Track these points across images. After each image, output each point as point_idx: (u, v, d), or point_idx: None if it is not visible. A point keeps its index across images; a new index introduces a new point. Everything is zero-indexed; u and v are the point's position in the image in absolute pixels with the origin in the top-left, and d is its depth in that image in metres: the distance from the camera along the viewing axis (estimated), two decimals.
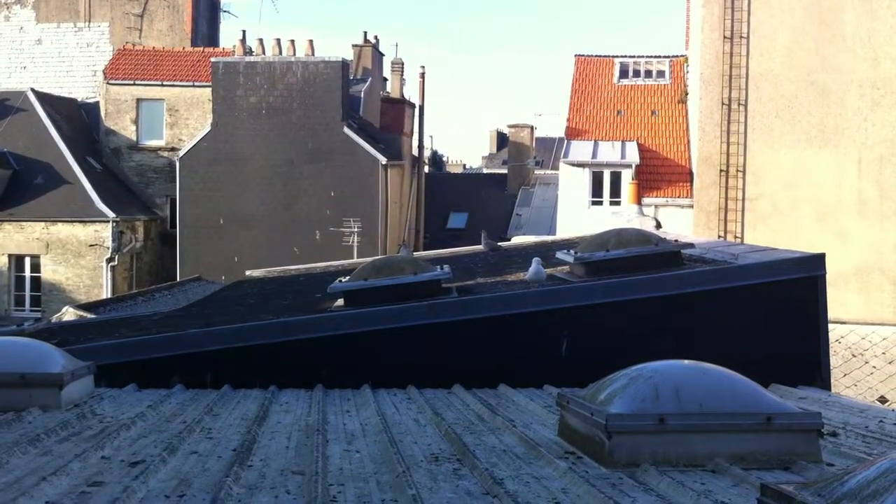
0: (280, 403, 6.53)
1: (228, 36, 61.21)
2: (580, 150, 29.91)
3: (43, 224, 30.23)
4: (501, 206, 40.37)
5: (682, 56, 34.07)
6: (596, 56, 35.20)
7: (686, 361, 4.79)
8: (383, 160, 31.08)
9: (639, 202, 25.30)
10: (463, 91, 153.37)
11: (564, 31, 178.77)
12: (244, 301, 11.25)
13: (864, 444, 5.03)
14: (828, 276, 8.06)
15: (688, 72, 32.34)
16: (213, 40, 40.57)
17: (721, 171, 27.05)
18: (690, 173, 28.86)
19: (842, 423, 5.59)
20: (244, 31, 36.83)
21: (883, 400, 14.50)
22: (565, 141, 31.05)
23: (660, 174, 29.30)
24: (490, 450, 4.82)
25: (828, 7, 26.58)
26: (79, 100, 36.42)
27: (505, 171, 46.80)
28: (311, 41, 34.72)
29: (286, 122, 31.13)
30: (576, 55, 35.12)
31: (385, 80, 41.79)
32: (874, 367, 15.68)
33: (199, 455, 4.63)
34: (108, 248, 30.00)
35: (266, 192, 31.18)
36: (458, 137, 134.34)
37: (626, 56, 34.93)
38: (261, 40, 35.57)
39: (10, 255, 30.53)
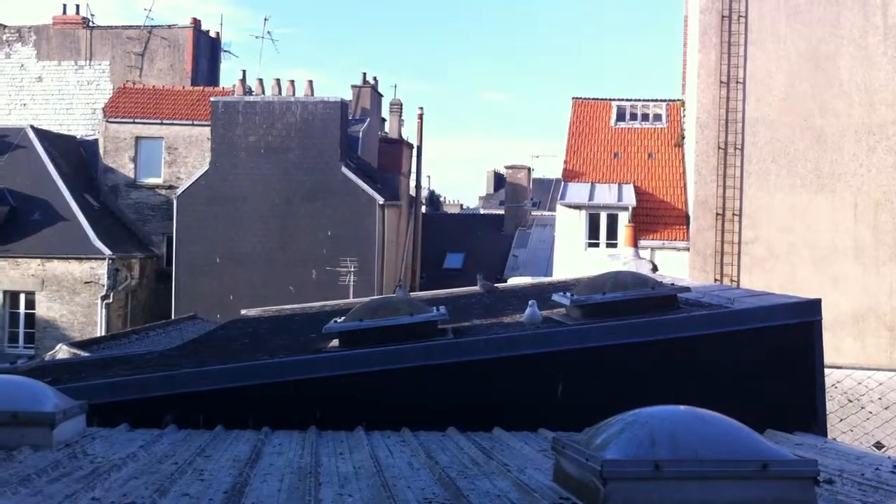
0: (273, 445, 6.48)
1: (228, 75, 61.66)
2: (577, 191, 30.03)
3: (39, 261, 30.20)
4: (498, 247, 40.41)
5: (678, 100, 34.33)
6: (593, 99, 35.46)
7: (682, 407, 4.76)
8: (381, 200, 31.17)
9: (635, 245, 25.34)
10: (461, 132, 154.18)
11: (562, 74, 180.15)
12: (239, 340, 11.21)
13: (860, 491, 4.99)
14: (824, 321, 8.06)
15: (684, 116, 32.56)
16: (213, 79, 40.83)
17: (717, 214, 27.16)
18: (687, 216, 28.96)
19: (838, 471, 5.55)
20: (244, 71, 37.11)
21: (879, 446, 14.43)
22: (562, 182, 31.18)
23: (656, 217, 29.40)
24: (484, 494, 4.78)
25: (824, 53, 26.84)
26: (78, 137, 36.58)
27: (502, 211, 46.91)
28: (310, 81, 35.03)
29: (284, 162, 31.25)
30: (573, 98, 35.38)
31: (383, 120, 42.03)
32: (870, 412, 15.62)
33: (190, 497, 4.58)
34: (104, 285, 29.96)
35: (263, 230, 31.22)
36: (456, 178, 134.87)
37: (623, 99, 35.19)
38: (260, 80, 35.86)
39: (4, 292, 30.46)
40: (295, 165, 31.23)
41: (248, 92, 35.05)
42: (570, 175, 31.38)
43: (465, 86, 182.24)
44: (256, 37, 67.48)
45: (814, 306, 8.01)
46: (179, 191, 31.97)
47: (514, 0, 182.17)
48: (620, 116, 34.23)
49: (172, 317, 27.55)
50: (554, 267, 29.84)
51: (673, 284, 9.55)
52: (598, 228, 28.99)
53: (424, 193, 48.52)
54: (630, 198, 29.20)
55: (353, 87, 39.67)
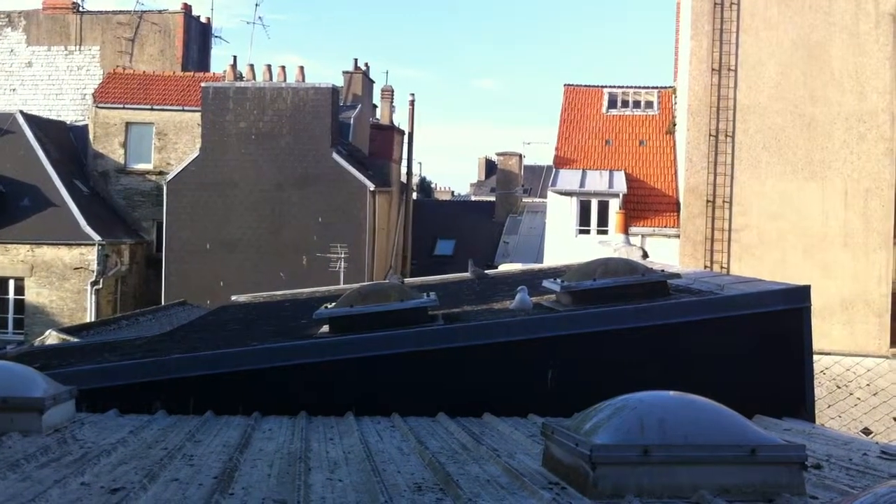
0: (263, 430, 6.48)
1: (219, 61, 61.48)
2: (568, 178, 30.02)
3: (28, 246, 30.09)
4: (489, 234, 40.41)
5: (670, 87, 34.31)
6: (585, 86, 35.42)
7: (671, 392, 4.77)
8: (371, 186, 31.12)
9: (626, 231, 25.41)
10: (452, 118, 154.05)
11: (554, 61, 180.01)
12: (229, 326, 11.20)
13: (848, 476, 5.02)
14: (813, 308, 8.08)
15: (676, 103, 32.56)
16: (203, 65, 40.66)
17: (708, 201, 27.19)
18: (677, 203, 28.98)
19: (826, 456, 5.58)
20: (235, 57, 36.96)
21: (867, 431, 14.51)
22: (553, 169, 31.17)
23: (647, 204, 29.42)
24: (474, 479, 4.79)
25: (815, 41, 26.84)
26: (68, 123, 36.41)
27: (493, 198, 46.92)
28: (301, 67, 34.93)
29: (275, 148, 31.16)
30: (565, 85, 35.34)
31: (375, 106, 41.93)
32: (858, 398, 15.71)
33: (179, 482, 4.58)
34: (93, 271, 29.88)
35: (253, 217, 31.15)
36: (447, 165, 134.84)
37: (614, 86, 35.16)
38: (251, 66, 35.69)
39: None
40: (286, 152, 31.14)
41: (239, 78, 34.91)
42: (561, 162, 31.37)
43: (457, 72, 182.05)
44: (247, 22, 67.33)
45: (803, 293, 8.03)
46: (169, 177, 31.86)
47: None
48: (612, 103, 34.21)
49: (162, 303, 27.51)
50: (545, 253, 29.84)
51: (663, 271, 9.55)
52: (589, 215, 29.00)
53: (415, 180, 48.48)
54: (621, 185, 29.21)
55: (345, 73, 39.56)
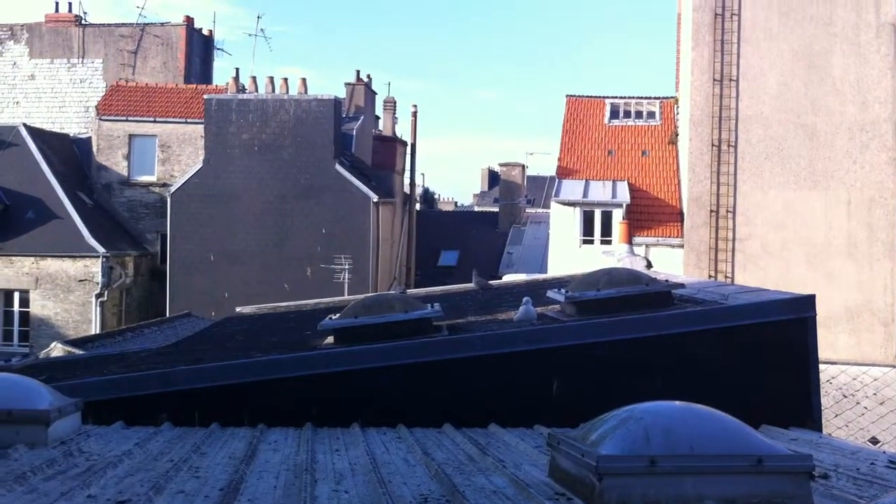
0: (268, 442, 6.48)
1: (222, 73, 61.70)
2: (571, 189, 30.03)
3: (33, 259, 30.13)
4: (493, 244, 40.42)
5: (672, 98, 34.34)
6: (587, 97, 35.46)
7: (676, 403, 4.77)
8: (375, 197, 31.15)
9: (629, 241, 25.41)
10: (455, 129, 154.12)
11: (557, 72, 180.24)
12: (234, 338, 11.20)
13: (855, 486, 5.00)
14: (818, 317, 8.07)
15: (678, 113, 32.57)
16: (206, 77, 40.76)
17: (711, 211, 27.18)
18: (681, 213, 28.97)
19: (833, 465, 5.56)
20: (237, 69, 37.06)
21: (874, 441, 14.46)
22: (556, 180, 31.18)
23: (650, 214, 29.42)
24: (480, 490, 4.78)
25: (817, 50, 26.87)
26: (71, 135, 36.48)
27: (496, 209, 46.93)
28: (303, 79, 35.02)
29: (278, 159, 31.21)
30: (567, 96, 35.37)
31: (377, 118, 41.98)
32: (865, 407, 15.65)
33: (185, 494, 4.58)
34: (98, 283, 29.90)
35: (257, 228, 31.18)
36: (450, 175, 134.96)
37: (616, 97, 35.19)
38: (254, 78, 35.78)
39: None
40: (289, 163, 31.19)
41: (242, 90, 35.00)
42: (564, 172, 31.38)
43: (460, 83, 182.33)
44: (250, 34, 67.24)
45: (808, 302, 8.02)
46: (173, 188, 31.90)
47: None
48: (614, 114, 34.24)
49: (167, 314, 27.49)
50: (548, 264, 29.83)
51: (667, 281, 9.55)
52: (593, 225, 28.99)
53: (419, 191, 48.52)
54: (624, 195, 29.22)
55: (347, 84, 39.64)
